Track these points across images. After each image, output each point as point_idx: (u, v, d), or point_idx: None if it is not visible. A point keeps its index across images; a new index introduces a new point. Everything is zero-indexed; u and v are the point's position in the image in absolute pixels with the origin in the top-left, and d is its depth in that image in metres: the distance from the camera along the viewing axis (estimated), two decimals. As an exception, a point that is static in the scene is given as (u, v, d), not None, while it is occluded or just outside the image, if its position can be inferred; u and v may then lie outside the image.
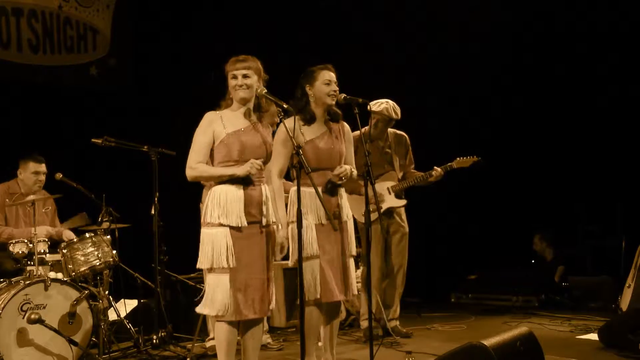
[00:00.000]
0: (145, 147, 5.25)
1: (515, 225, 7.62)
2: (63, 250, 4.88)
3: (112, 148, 5.28)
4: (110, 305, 5.14)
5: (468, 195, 7.69)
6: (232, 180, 3.66)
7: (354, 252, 4.15)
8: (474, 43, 7.42)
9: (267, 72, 3.85)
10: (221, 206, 3.64)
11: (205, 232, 3.69)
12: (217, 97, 3.87)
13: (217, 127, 3.70)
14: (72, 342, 4.44)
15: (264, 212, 3.75)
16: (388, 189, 5.41)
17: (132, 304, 5.65)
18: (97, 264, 4.90)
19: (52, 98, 6.88)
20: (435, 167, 5.33)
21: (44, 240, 4.83)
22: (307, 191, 3.89)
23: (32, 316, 4.30)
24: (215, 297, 3.62)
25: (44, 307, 4.46)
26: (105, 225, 5.10)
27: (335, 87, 4.10)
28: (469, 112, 7.82)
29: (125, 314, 5.40)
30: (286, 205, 4.05)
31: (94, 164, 6.36)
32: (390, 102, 5.34)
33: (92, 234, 4.97)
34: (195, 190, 4.93)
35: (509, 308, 6.83)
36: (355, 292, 4.17)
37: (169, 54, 7.40)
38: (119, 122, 6.64)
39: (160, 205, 5.22)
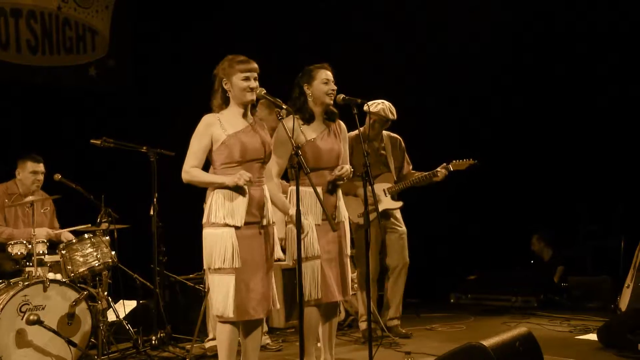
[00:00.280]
0: (144, 147, 5.24)
1: (515, 225, 7.61)
2: (62, 251, 4.88)
3: (111, 149, 5.27)
4: (109, 306, 5.13)
5: (467, 196, 7.67)
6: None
7: (349, 253, 4.15)
8: (474, 43, 7.41)
9: (266, 72, 3.84)
10: (226, 206, 3.61)
11: (209, 233, 3.65)
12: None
13: (216, 129, 3.67)
14: (71, 343, 4.44)
15: (264, 213, 3.74)
16: (384, 190, 5.39)
17: (131, 304, 5.64)
18: (96, 264, 4.90)
19: (51, 99, 6.87)
20: (440, 168, 5.31)
21: (42, 241, 4.83)
22: (307, 191, 3.89)
23: (31, 317, 4.30)
24: (222, 297, 3.59)
25: (43, 308, 4.47)
26: (104, 226, 5.09)
27: (333, 86, 4.09)
28: (469, 112, 7.81)
29: (124, 315, 5.39)
30: None
31: (93, 164, 6.35)
32: (386, 102, 5.33)
33: (91, 235, 4.97)
34: (195, 190, 4.90)
35: (508, 308, 6.81)
36: (351, 293, 4.16)
37: (168, 54, 7.39)
38: (118, 123, 6.64)
39: (159, 206, 5.21)
